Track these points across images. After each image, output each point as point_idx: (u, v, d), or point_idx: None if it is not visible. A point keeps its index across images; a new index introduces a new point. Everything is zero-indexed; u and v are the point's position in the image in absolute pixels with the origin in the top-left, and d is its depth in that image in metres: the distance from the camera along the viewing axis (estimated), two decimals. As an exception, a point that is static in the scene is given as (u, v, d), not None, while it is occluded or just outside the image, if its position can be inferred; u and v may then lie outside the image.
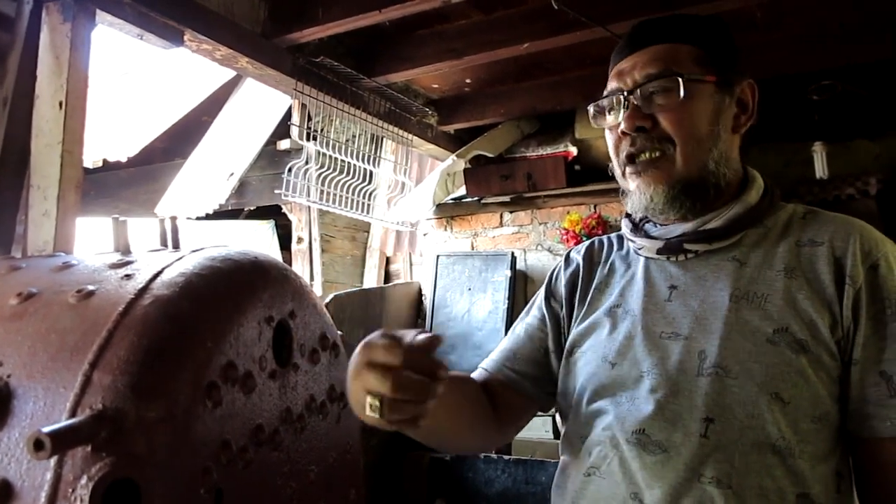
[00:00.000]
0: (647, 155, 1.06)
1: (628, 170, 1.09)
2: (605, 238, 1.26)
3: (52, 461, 0.82)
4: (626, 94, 1.07)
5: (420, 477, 3.44)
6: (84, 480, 0.80)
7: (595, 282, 1.19)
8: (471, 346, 3.72)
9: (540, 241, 3.93)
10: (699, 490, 0.93)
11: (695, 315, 1.03)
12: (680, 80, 1.04)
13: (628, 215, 1.21)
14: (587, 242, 1.28)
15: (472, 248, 4.09)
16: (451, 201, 4.01)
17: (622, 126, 1.07)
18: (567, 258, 1.27)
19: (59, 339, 0.94)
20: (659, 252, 1.10)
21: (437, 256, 4.03)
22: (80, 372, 0.89)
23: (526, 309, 1.29)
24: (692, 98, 1.05)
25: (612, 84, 1.11)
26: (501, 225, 4.05)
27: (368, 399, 0.81)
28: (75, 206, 1.73)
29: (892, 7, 2.62)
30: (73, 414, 0.85)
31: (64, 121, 1.72)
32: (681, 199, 1.06)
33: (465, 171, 3.78)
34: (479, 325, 3.76)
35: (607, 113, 1.12)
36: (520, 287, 3.81)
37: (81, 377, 0.88)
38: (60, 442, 0.79)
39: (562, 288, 1.23)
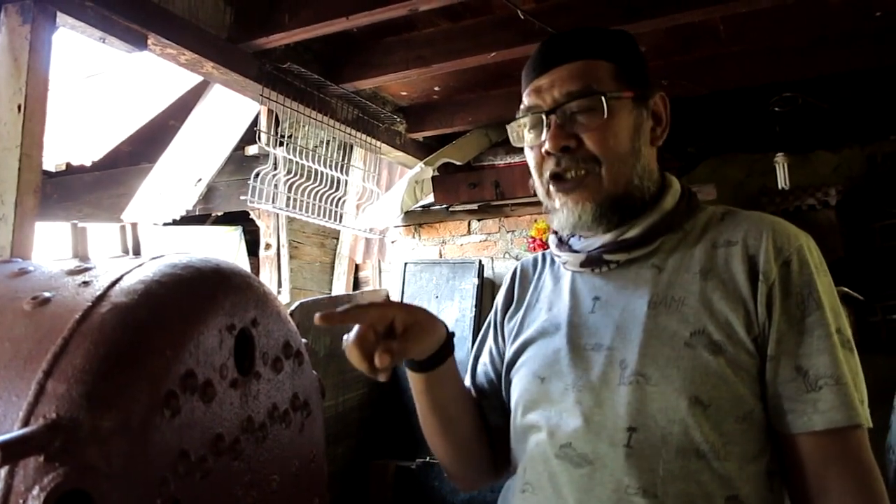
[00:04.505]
0: (573, 174, 1.05)
1: (553, 188, 1.08)
2: (538, 255, 1.28)
3: (3, 471, 0.80)
4: (546, 113, 1.06)
5: (385, 485, 3.43)
6: (36, 491, 0.79)
7: (526, 301, 1.21)
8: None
9: (507, 249, 3.94)
10: (626, 502, 0.93)
11: (616, 325, 1.03)
12: (603, 98, 1.04)
13: (555, 231, 1.22)
14: (522, 262, 1.30)
15: (440, 256, 4.10)
16: (419, 209, 4.01)
17: (546, 146, 1.05)
18: (503, 286, 1.30)
19: (12, 347, 0.92)
20: (582, 265, 1.11)
21: (405, 264, 4.03)
22: (34, 380, 0.87)
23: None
24: (614, 116, 1.05)
25: (529, 101, 1.10)
26: (469, 233, 4.06)
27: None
28: (33, 211, 1.70)
29: (851, 22, 2.68)
30: (25, 423, 0.84)
31: (23, 124, 1.69)
32: (608, 215, 1.06)
33: (434, 178, 3.78)
34: (446, 332, 3.76)
35: (526, 131, 1.12)
36: (487, 295, 3.82)
37: (35, 386, 0.86)
38: (11, 452, 0.77)
39: (497, 315, 1.27)
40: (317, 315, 0.92)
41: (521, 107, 1.12)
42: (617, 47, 1.10)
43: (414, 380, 1.12)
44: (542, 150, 1.07)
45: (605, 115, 1.04)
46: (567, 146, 1.04)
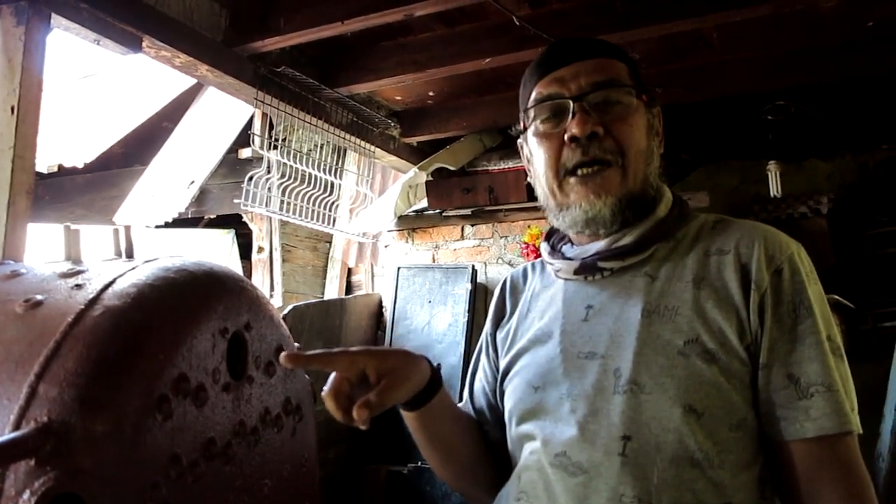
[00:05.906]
0: (594, 167, 1.04)
1: (571, 179, 1.06)
2: (527, 266, 1.28)
3: (-6, 475, 0.80)
4: (573, 100, 1.05)
5: (377, 490, 3.42)
6: (27, 495, 0.78)
7: (518, 311, 1.21)
8: (430, 358, 3.71)
9: (500, 254, 3.95)
10: None
11: (610, 333, 1.03)
12: (632, 91, 1.06)
13: (547, 238, 1.21)
14: (512, 273, 1.29)
15: (433, 261, 4.10)
16: (412, 213, 4.01)
17: (573, 131, 1.04)
18: (493, 300, 1.29)
19: (4, 350, 0.92)
20: (576, 273, 1.10)
21: (398, 268, 4.03)
22: (26, 384, 0.87)
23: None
24: (635, 112, 1.07)
25: (547, 90, 1.08)
26: (462, 238, 4.06)
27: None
28: (26, 212, 1.69)
29: (844, 32, 2.70)
30: (17, 427, 0.83)
31: (16, 126, 1.68)
32: (624, 212, 1.06)
33: (427, 183, 3.79)
34: (438, 337, 3.76)
35: (539, 122, 1.10)
36: (480, 300, 3.82)
37: (27, 389, 0.86)
38: (3, 455, 0.77)
39: (489, 328, 1.27)
40: (282, 355, 0.92)
41: (534, 96, 1.11)
42: (626, 55, 1.12)
43: (407, 418, 1.12)
44: (567, 135, 1.05)
45: (631, 108, 1.06)
46: (595, 132, 1.04)
